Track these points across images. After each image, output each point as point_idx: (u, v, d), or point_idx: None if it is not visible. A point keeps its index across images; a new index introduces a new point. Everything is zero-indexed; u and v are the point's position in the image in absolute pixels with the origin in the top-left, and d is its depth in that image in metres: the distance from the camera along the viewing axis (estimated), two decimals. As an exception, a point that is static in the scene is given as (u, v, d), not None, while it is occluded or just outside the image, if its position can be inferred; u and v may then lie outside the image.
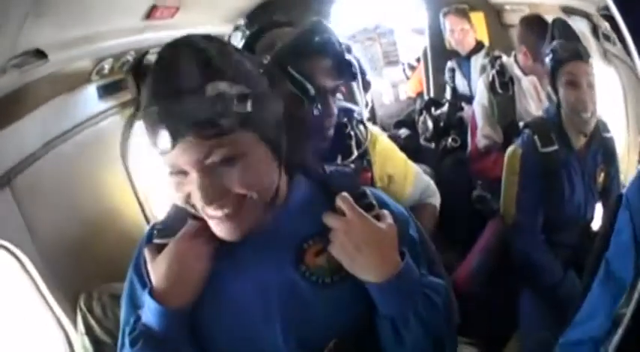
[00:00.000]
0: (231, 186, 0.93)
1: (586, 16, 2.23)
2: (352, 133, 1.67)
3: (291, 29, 1.64)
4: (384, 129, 3.81)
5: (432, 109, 3.60)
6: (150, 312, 1.01)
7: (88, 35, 1.82)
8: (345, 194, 1.05)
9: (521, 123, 2.30)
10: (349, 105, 1.82)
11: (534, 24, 2.62)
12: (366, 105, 4.01)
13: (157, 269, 1.03)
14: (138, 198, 2.34)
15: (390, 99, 4.94)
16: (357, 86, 3.81)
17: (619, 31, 1.13)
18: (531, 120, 2.27)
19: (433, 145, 3.46)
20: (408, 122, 4.00)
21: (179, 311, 1.01)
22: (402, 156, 1.85)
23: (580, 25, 2.17)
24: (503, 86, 2.67)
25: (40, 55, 1.59)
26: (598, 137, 2.11)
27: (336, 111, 1.55)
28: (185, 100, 0.88)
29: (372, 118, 4.38)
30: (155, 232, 1.09)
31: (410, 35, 4.88)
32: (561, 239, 2.14)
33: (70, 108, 1.96)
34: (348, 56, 1.56)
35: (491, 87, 2.70)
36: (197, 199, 0.93)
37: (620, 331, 1.07)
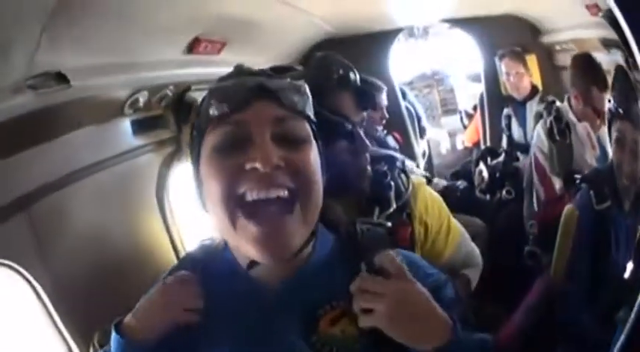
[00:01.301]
0: (291, 161, 0.90)
1: (618, 46, 2.10)
2: (392, 183, 1.53)
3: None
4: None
5: (489, 159, 3.51)
6: (113, 344, 0.96)
7: (122, 63, 1.77)
8: (391, 252, 0.96)
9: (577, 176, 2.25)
10: (391, 152, 1.68)
11: (582, 65, 2.56)
12: (424, 154, 3.93)
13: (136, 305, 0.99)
14: (172, 240, 2.22)
15: (447, 149, 4.84)
16: (413, 133, 3.73)
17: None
18: (587, 173, 2.23)
19: (488, 197, 3.35)
20: (465, 173, 3.86)
21: (138, 344, 0.93)
22: (447, 212, 1.68)
23: (617, 58, 2.03)
24: (561, 133, 2.58)
25: (61, 78, 1.53)
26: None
27: (370, 146, 1.44)
28: (265, 77, 0.96)
29: (429, 168, 4.26)
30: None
31: (467, 82, 4.78)
32: (600, 296, 1.97)
33: (101, 140, 1.89)
34: (364, 83, 1.48)
35: (549, 134, 2.61)
36: (253, 162, 0.86)
37: (622, 336, 1.03)
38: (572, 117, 2.56)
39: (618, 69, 2.03)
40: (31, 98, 1.46)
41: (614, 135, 1.92)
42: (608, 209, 1.95)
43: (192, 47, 2.00)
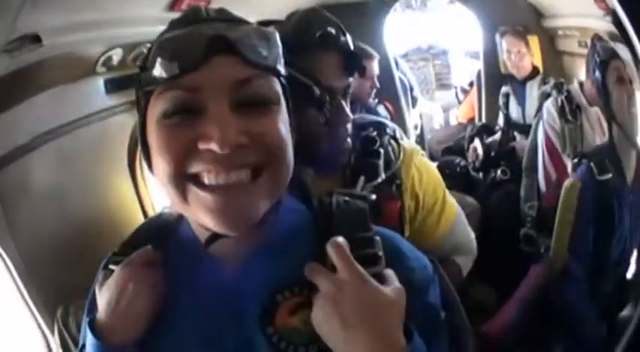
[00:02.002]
0: (256, 133, 0.73)
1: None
2: (381, 150, 1.37)
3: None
4: (432, 158, 3.65)
5: (484, 136, 3.41)
6: (89, 345, 0.82)
7: (97, 20, 1.65)
8: (339, 239, 0.78)
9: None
10: (381, 118, 1.54)
11: None
12: (415, 127, 3.84)
13: (101, 299, 0.84)
14: (143, 209, 2.11)
15: (440, 124, 4.76)
16: (405, 104, 3.65)
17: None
18: (587, 150, 2.26)
19: (481, 175, 3.24)
20: (457, 149, 3.78)
21: (119, 348, 0.80)
22: (443, 186, 1.52)
23: (624, 53, 2.00)
24: (572, 113, 2.48)
25: (37, 40, 1.45)
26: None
27: (351, 116, 1.27)
28: (227, 24, 0.76)
29: (421, 143, 4.12)
30: (111, 255, 0.89)
31: (464, 58, 4.71)
32: (600, 288, 2.04)
33: (71, 101, 1.77)
34: (354, 48, 1.27)
35: (561, 112, 2.51)
36: (208, 143, 0.70)
37: (625, 337, 1.00)
38: (583, 100, 2.48)
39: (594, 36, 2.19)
40: (6, 62, 1.39)
41: (613, 78, 1.96)
42: (610, 181, 1.96)
43: (174, 4, 1.89)
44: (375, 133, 1.40)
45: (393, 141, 1.42)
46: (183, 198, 0.75)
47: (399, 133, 1.47)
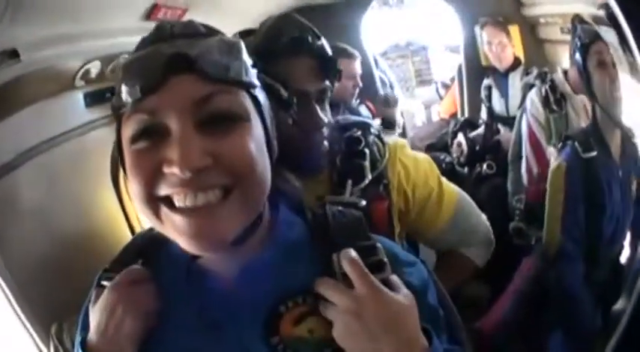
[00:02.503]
0: (221, 154, 0.70)
1: (608, 24, 2.10)
2: (366, 151, 1.35)
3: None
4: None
5: (468, 131, 3.39)
6: None
7: (73, 33, 1.63)
8: (353, 256, 0.78)
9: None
10: (364, 118, 1.53)
11: None
12: (397, 125, 3.84)
13: (92, 319, 0.83)
14: (129, 222, 2.09)
15: (422, 121, 4.76)
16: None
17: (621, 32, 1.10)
18: (571, 132, 2.20)
19: (467, 170, 3.24)
20: (440, 146, 3.78)
21: None
22: (438, 176, 1.49)
23: (609, 36, 2.00)
24: (557, 103, 2.47)
25: (14, 55, 1.42)
26: (630, 143, 2.00)
27: (325, 121, 1.24)
28: (190, 40, 0.73)
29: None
30: (102, 272, 0.88)
31: (443, 53, 4.72)
32: (595, 275, 1.99)
33: (51, 116, 1.75)
34: (333, 49, 1.26)
35: (545, 103, 2.49)
36: (170, 166, 0.69)
37: (618, 330, 1.00)
38: (567, 88, 2.48)
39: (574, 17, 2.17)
40: None
41: (594, 61, 1.93)
42: (596, 158, 1.93)
43: (150, 13, 1.87)
44: (359, 133, 1.38)
45: (377, 140, 1.40)
46: (157, 219, 0.74)
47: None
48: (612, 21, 1.71)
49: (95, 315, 0.82)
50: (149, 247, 0.89)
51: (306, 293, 0.79)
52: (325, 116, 1.23)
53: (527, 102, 2.61)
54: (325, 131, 1.25)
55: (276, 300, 0.79)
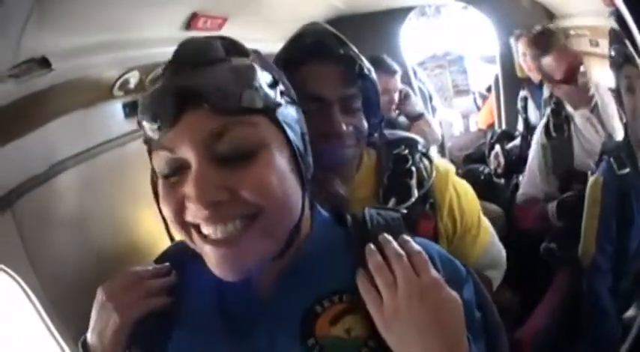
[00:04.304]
0: (239, 188, 0.72)
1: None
2: (413, 169, 1.32)
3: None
4: (452, 162, 3.56)
5: (505, 143, 3.35)
6: None
7: (111, 42, 1.61)
8: (418, 246, 0.80)
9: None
10: (411, 135, 1.48)
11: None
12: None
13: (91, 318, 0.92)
14: (170, 236, 2.04)
15: (460, 131, 4.72)
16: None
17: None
18: (607, 146, 2.17)
19: (503, 181, 3.23)
20: (477, 156, 3.77)
21: None
22: (479, 207, 1.47)
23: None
24: (558, 128, 2.43)
25: (45, 63, 1.39)
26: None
27: (344, 128, 1.19)
28: (201, 70, 0.74)
29: (441, 150, 4.16)
30: None
31: (480, 63, 4.67)
32: (619, 287, 2.03)
33: (88, 127, 1.73)
34: (358, 60, 1.21)
35: (545, 130, 2.47)
36: (189, 201, 0.73)
37: (630, 337, 1.01)
38: (568, 107, 2.45)
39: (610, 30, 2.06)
40: (12, 88, 1.32)
41: (624, 86, 1.87)
42: (628, 175, 1.97)
43: (190, 23, 1.85)
44: (406, 151, 1.35)
45: (424, 159, 1.37)
46: (191, 241, 0.78)
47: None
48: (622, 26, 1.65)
49: (92, 315, 0.90)
50: (181, 256, 0.91)
51: (343, 292, 0.79)
52: (350, 124, 1.21)
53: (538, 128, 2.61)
54: (350, 139, 1.22)
55: (312, 301, 0.80)
